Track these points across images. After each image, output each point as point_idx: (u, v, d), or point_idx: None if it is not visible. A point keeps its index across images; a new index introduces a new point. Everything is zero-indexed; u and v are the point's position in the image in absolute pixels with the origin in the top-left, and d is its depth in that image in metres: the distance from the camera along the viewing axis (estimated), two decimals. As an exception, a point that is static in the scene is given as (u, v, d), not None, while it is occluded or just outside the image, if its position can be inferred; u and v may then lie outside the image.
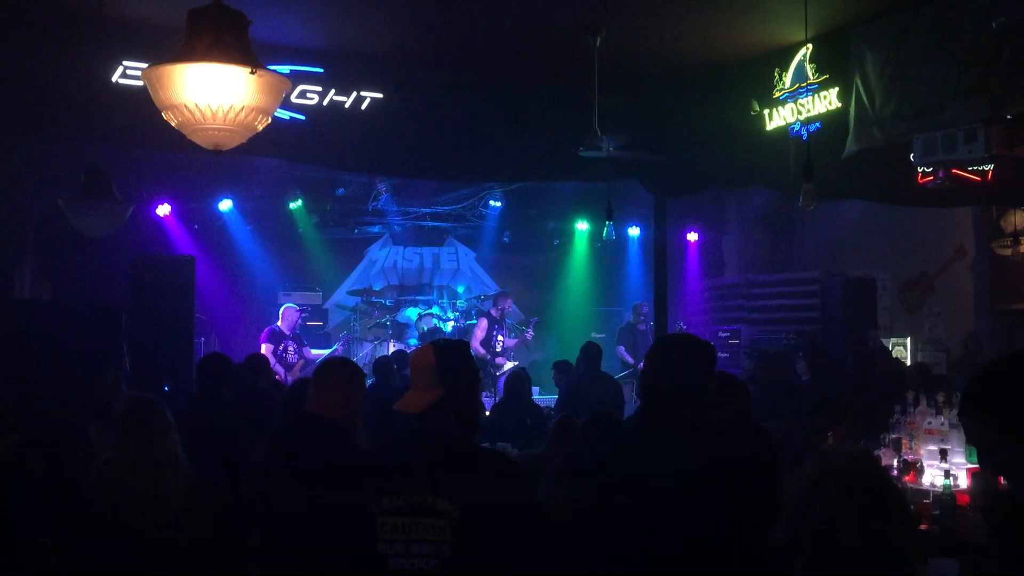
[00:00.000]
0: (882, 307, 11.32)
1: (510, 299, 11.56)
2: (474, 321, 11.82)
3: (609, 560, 2.86)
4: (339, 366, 3.86)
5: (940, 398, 5.25)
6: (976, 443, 2.02)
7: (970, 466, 4.81)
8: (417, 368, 2.79)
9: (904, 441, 5.22)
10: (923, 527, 4.57)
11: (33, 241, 9.96)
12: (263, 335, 10.31)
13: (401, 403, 2.79)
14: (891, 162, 7.19)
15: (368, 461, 2.90)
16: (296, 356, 10.22)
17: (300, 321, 10.60)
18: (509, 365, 10.93)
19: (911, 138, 6.38)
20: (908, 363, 10.45)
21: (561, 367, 8.60)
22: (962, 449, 5.01)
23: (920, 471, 5.00)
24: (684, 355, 3.01)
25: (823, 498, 2.11)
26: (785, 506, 2.19)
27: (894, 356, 10.17)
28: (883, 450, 5.20)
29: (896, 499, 2.17)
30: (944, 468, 4.93)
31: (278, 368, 9.90)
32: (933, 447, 5.09)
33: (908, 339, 11.46)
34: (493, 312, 11.35)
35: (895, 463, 5.09)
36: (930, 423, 5.22)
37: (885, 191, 8.56)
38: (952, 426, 5.08)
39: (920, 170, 7.50)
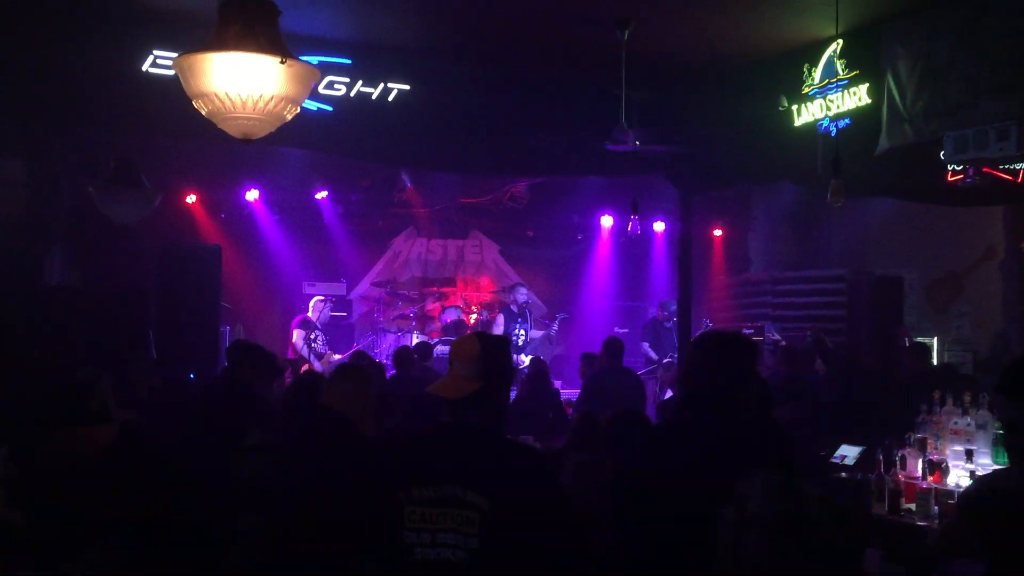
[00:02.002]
0: (909, 306, 11.21)
1: (522, 289, 11.57)
2: (496, 315, 11.86)
3: (629, 547, 2.87)
4: (352, 373, 4.27)
5: (966, 398, 5.20)
6: (1008, 423, 1.99)
7: (996, 467, 4.76)
8: (459, 356, 2.78)
9: (929, 441, 5.18)
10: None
11: (63, 228, 10.07)
12: (296, 321, 10.41)
13: (438, 387, 2.78)
14: (920, 159, 7.12)
15: (397, 450, 2.90)
16: (324, 347, 10.32)
17: (328, 314, 10.67)
18: (527, 360, 10.92)
19: (942, 135, 6.32)
20: (935, 363, 10.35)
21: (588, 359, 8.60)
22: (988, 450, 4.96)
23: (945, 472, 4.96)
24: (721, 352, 3.02)
25: (746, 548, 2.10)
26: (718, 555, 2.18)
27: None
28: (908, 450, 5.16)
29: (815, 526, 2.14)
30: (970, 469, 4.89)
31: (306, 353, 9.96)
32: (959, 447, 5.04)
33: (935, 339, 11.34)
34: (512, 307, 11.36)
35: (920, 463, 5.06)
36: (956, 423, 5.18)
37: (914, 189, 8.47)
38: (979, 427, 5.04)
39: (950, 168, 7.41)
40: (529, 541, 2.54)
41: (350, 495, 2.97)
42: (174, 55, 5.10)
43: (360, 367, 4.50)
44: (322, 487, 3.44)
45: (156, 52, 6.92)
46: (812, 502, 2.16)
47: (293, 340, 10.21)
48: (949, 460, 5.03)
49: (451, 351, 2.85)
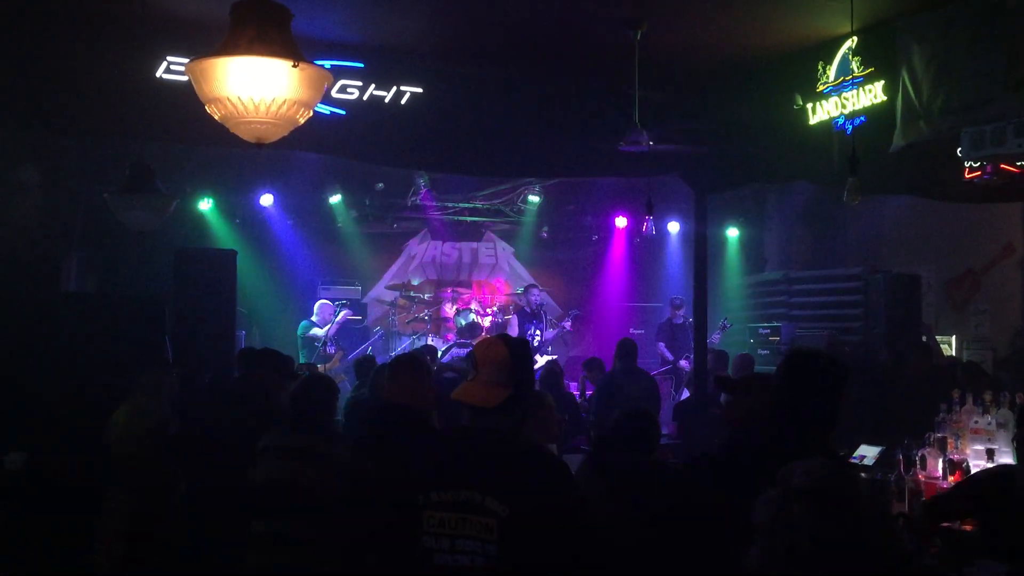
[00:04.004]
0: (927, 304, 11.14)
1: (535, 289, 11.60)
2: (511, 316, 11.87)
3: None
4: (413, 360, 4.20)
5: (987, 397, 5.15)
6: None
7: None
8: (486, 361, 2.70)
9: (950, 440, 5.13)
10: (967, 528, 4.50)
11: (79, 235, 10.13)
12: (301, 328, 10.51)
13: (467, 395, 2.69)
14: (937, 157, 7.06)
15: (419, 453, 2.85)
16: (333, 347, 10.40)
17: (334, 317, 10.74)
18: (542, 360, 10.90)
19: (959, 132, 6.27)
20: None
21: (592, 365, 8.60)
22: (1009, 449, 4.91)
23: (966, 471, 4.91)
24: (797, 373, 3.04)
25: (786, 521, 2.09)
26: (757, 531, 2.16)
27: (946, 354, 10.00)
28: (928, 449, 5.11)
29: (863, 511, 2.12)
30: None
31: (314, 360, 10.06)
32: (979, 447, 5.00)
33: (953, 337, 11.26)
34: (526, 308, 11.36)
35: (940, 463, 5.01)
36: (976, 422, 5.13)
37: (931, 186, 8.41)
38: (999, 425, 4.99)
39: (967, 165, 7.35)
40: (548, 548, 2.50)
41: (374, 497, 2.94)
42: (187, 60, 5.11)
43: (419, 357, 4.43)
44: (367, 490, 3.37)
45: (170, 58, 6.94)
46: (856, 475, 2.17)
47: (303, 344, 10.29)
48: (970, 459, 4.98)
49: (477, 356, 2.75)
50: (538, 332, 11.09)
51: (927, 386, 7.27)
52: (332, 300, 11.22)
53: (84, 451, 5.47)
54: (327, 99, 7.19)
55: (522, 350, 2.78)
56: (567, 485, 2.67)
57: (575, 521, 2.60)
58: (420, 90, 7.76)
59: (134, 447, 5.13)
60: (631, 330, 12.48)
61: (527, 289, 11.76)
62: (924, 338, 9.74)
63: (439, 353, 9.79)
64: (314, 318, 10.65)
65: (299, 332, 10.54)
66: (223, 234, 11.43)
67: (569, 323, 11.57)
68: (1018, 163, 7.33)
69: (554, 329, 11.61)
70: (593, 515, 2.76)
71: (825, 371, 3.07)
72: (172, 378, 6.41)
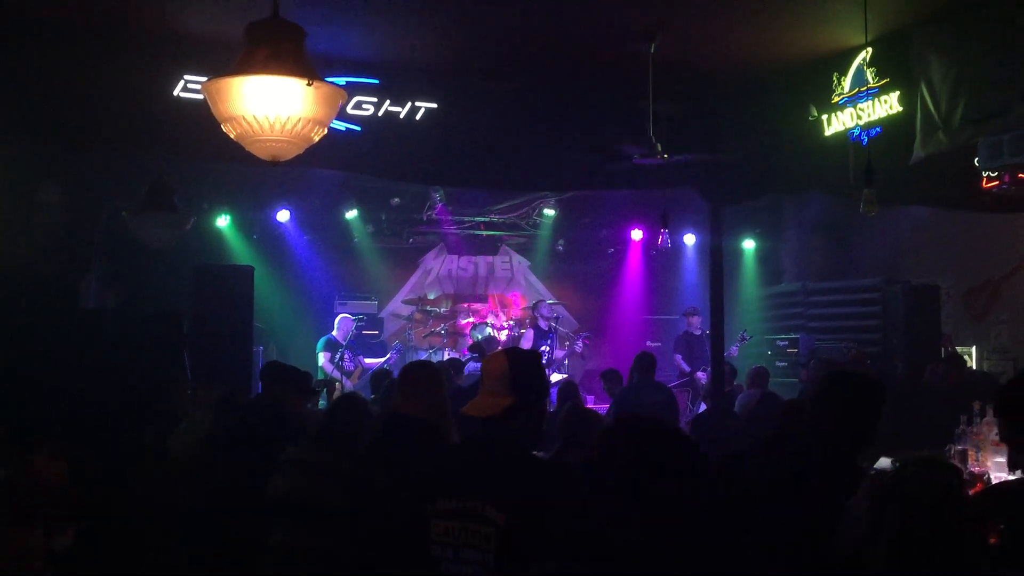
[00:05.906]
0: (946, 315, 11.05)
1: (544, 304, 11.57)
2: (526, 331, 11.87)
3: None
4: (423, 370, 4.09)
5: (1008, 408, 5.10)
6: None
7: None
8: (489, 374, 2.80)
9: (971, 453, 5.09)
10: (992, 540, 4.45)
11: (98, 252, 10.21)
12: (320, 343, 10.55)
13: (470, 407, 2.78)
14: (954, 167, 7.02)
15: (428, 461, 2.91)
16: (352, 364, 10.45)
17: (354, 330, 10.78)
18: (556, 378, 10.86)
19: (977, 142, 6.23)
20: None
21: (609, 376, 8.57)
22: (1031, 461, 4.86)
23: (987, 484, 4.86)
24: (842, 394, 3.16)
25: (888, 512, 2.08)
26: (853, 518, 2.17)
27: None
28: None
29: (960, 510, 2.13)
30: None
31: (335, 374, 10.09)
32: (1001, 459, 4.95)
33: (973, 348, 11.17)
34: (541, 323, 11.33)
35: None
36: (997, 434, 5.08)
37: (948, 197, 8.35)
38: (1021, 437, 4.93)
39: (985, 175, 7.31)
40: (544, 559, 2.49)
41: (386, 508, 2.96)
42: (204, 79, 5.16)
43: (431, 365, 4.27)
44: (379, 500, 3.36)
45: (187, 76, 7.01)
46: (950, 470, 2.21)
47: (320, 364, 10.33)
48: (991, 472, 4.94)
49: (482, 370, 2.87)
50: (547, 348, 11.07)
51: (948, 398, 7.21)
52: (351, 315, 11.25)
53: (105, 468, 5.49)
54: (342, 115, 7.23)
55: (524, 361, 2.83)
56: (569, 495, 2.63)
57: (574, 532, 2.57)
58: (435, 105, 7.79)
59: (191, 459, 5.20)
60: (647, 343, 12.45)
61: (537, 304, 11.74)
62: (943, 351, 9.66)
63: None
64: (335, 332, 10.69)
65: (318, 348, 10.57)
66: (240, 250, 11.49)
67: (580, 347, 11.55)
68: (1036, 172, 7.27)
69: (563, 350, 11.57)
70: (597, 525, 2.73)
71: (862, 392, 3.12)
72: (190, 393, 6.46)
